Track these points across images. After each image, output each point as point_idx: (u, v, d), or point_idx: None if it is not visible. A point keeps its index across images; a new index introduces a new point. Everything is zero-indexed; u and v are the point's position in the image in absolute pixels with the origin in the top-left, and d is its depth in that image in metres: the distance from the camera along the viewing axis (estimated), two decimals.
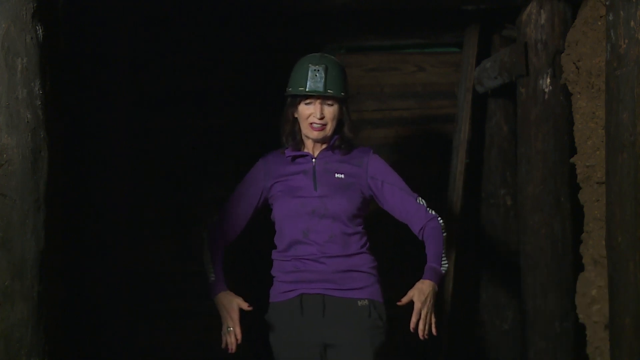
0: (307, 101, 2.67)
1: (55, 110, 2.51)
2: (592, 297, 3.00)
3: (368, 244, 2.72)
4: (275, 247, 2.75)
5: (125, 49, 3.74)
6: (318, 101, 2.66)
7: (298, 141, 2.74)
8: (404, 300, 2.58)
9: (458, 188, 4.09)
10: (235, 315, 2.63)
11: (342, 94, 2.67)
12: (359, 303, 2.66)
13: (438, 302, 4.13)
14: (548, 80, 3.26)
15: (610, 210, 2.57)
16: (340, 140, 2.72)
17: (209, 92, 4.14)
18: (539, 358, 3.29)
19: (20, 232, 2.43)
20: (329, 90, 2.64)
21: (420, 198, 2.74)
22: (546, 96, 3.27)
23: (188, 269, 4.12)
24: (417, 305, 2.57)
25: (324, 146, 2.73)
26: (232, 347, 2.63)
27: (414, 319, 2.57)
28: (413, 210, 2.72)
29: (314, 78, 2.64)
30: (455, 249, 4.02)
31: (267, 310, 2.77)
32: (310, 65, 2.67)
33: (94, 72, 3.56)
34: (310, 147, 2.74)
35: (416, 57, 4.26)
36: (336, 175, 2.70)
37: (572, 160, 3.09)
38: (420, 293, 2.59)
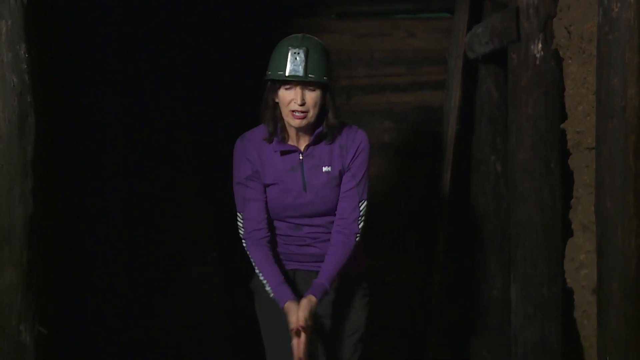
0: (287, 86, 2.55)
1: (42, 74, 2.49)
2: (581, 262, 3.01)
3: None
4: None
5: (115, 13, 3.69)
6: (299, 86, 2.54)
7: (281, 128, 2.63)
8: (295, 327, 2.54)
9: (448, 154, 4.10)
10: (292, 332, 2.55)
11: (324, 78, 2.54)
12: (350, 277, 2.74)
13: (429, 270, 4.18)
14: (539, 45, 3.23)
15: (599, 176, 2.57)
16: (325, 128, 2.63)
17: (198, 62, 4.08)
18: (527, 322, 3.32)
19: (8, 198, 2.43)
20: (309, 75, 2.51)
21: (364, 204, 2.67)
22: (537, 62, 3.25)
23: (185, 236, 4.11)
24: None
25: (309, 137, 2.65)
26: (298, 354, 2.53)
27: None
28: (347, 209, 2.66)
29: (294, 62, 2.51)
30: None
31: (251, 278, 2.79)
32: (290, 47, 2.53)
33: (82, 37, 3.52)
34: (294, 137, 2.65)
35: (407, 23, 4.23)
36: (323, 169, 2.65)
37: (562, 126, 3.09)
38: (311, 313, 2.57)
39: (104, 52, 3.61)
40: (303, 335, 2.51)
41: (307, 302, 2.55)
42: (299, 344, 2.51)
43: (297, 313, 2.53)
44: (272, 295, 2.64)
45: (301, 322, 2.50)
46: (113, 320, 3.70)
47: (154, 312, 4.00)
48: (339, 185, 2.67)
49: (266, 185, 2.67)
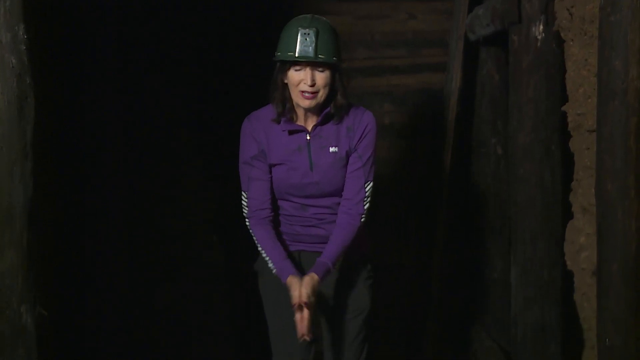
0: (297, 67, 2.55)
1: (41, 55, 2.48)
2: (581, 244, 3.02)
3: None
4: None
5: (115, 13, 3.68)
6: (309, 67, 2.54)
7: (289, 109, 2.63)
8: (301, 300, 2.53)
9: (449, 137, 4.09)
10: (294, 307, 2.54)
11: (334, 59, 2.55)
12: (354, 259, 2.76)
13: (430, 252, 4.18)
14: (541, 27, 3.22)
15: (600, 159, 2.57)
16: (333, 108, 2.63)
17: (201, 48, 4.05)
18: (527, 305, 3.33)
19: (8, 179, 2.42)
20: (320, 56, 2.51)
21: (370, 185, 2.68)
22: (538, 44, 3.24)
23: (186, 234, 4.08)
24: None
25: (317, 118, 2.65)
26: (300, 331, 2.53)
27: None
28: (353, 190, 2.67)
29: (303, 42, 2.50)
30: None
31: (256, 259, 2.80)
32: (300, 28, 2.53)
33: (83, 36, 3.51)
34: (302, 117, 2.65)
35: (407, 5, 4.20)
36: (330, 149, 2.66)
37: (563, 108, 3.08)
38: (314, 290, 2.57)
39: (104, 51, 3.61)
40: (306, 311, 2.51)
41: (310, 279, 2.55)
42: (302, 320, 2.52)
43: (300, 288, 2.53)
44: (274, 271, 2.64)
45: (304, 298, 2.51)
46: (113, 319, 3.71)
47: (154, 311, 4.00)
48: (345, 166, 2.67)
49: (272, 165, 2.67)
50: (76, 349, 3.47)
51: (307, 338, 2.53)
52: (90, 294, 3.61)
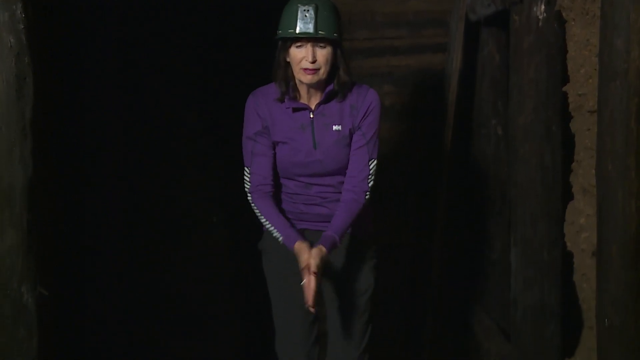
0: (298, 44, 2.56)
1: (39, 35, 2.47)
2: (581, 225, 3.02)
3: None
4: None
5: (115, 12, 3.67)
6: (309, 44, 2.55)
7: (292, 87, 2.65)
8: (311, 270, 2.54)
9: (449, 118, 4.08)
10: (303, 270, 2.56)
11: (335, 35, 2.56)
12: (358, 238, 2.78)
13: (430, 233, 4.19)
14: (542, 7, 3.20)
15: (601, 139, 2.56)
16: (336, 86, 2.64)
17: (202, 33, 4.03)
18: (527, 286, 3.33)
19: (7, 160, 2.43)
20: (320, 32, 2.53)
21: (374, 163, 2.69)
22: (540, 23, 3.22)
23: (186, 233, 4.08)
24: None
25: (320, 96, 2.66)
26: (308, 300, 2.54)
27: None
28: (357, 168, 2.68)
29: (303, 19, 2.52)
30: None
31: (260, 238, 2.81)
32: (299, 5, 2.55)
33: (82, 35, 3.50)
34: (305, 95, 2.67)
35: None
36: (334, 127, 2.67)
37: (564, 89, 3.07)
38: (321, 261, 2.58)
39: (104, 51, 3.60)
40: (313, 280, 2.52)
41: (318, 250, 2.56)
42: (309, 290, 2.52)
43: (309, 253, 2.54)
44: (280, 239, 2.65)
45: (313, 269, 2.52)
46: (113, 318, 3.72)
47: (154, 310, 4.01)
48: (349, 144, 2.69)
49: (275, 143, 2.69)
50: (76, 348, 3.49)
51: (312, 310, 2.54)
52: (90, 294, 3.62)
